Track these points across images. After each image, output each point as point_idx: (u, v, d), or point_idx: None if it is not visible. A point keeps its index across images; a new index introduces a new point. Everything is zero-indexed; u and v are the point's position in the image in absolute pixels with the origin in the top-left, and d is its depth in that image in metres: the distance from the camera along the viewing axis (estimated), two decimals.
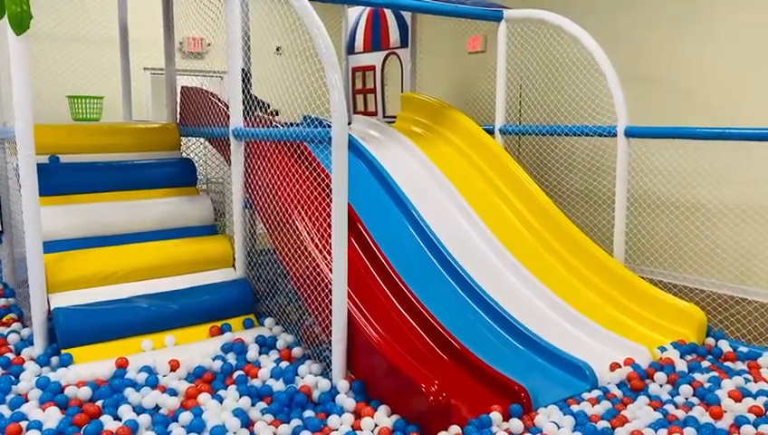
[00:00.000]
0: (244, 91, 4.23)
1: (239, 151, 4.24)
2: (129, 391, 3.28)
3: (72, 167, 4.40)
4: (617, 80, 4.74)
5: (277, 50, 8.20)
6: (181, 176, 4.75)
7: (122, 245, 4.22)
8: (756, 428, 3.01)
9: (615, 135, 4.74)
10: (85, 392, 3.25)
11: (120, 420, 3.04)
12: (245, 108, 4.20)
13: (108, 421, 3.00)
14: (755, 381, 3.59)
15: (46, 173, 4.23)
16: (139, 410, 3.16)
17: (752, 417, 3.12)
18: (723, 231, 5.29)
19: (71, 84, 6.66)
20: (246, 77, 5.65)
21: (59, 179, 4.29)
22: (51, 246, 3.94)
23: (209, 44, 8.11)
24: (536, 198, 4.94)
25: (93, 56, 7.20)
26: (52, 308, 3.77)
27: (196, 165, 5.21)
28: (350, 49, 6.79)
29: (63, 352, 3.63)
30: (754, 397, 3.35)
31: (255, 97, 4.63)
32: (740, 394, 3.35)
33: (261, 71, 6.09)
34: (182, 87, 5.16)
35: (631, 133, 4.70)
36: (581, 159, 5.88)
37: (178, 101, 5.19)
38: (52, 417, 3.03)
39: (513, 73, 5.72)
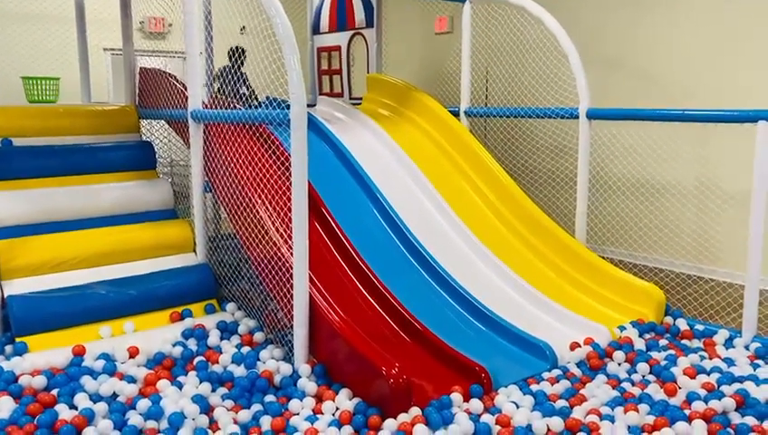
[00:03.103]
0: (235, 70, 4.18)
1: (198, 134, 4.16)
2: (85, 379, 3.22)
3: (26, 150, 4.27)
4: (579, 62, 4.76)
5: (242, 29, 8.05)
6: (139, 159, 4.65)
7: (78, 230, 4.12)
8: (706, 403, 3.08)
9: (577, 117, 4.77)
10: (40, 381, 3.19)
11: (76, 408, 2.99)
12: (232, 86, 4.12)
13: (63, 410, 2.95)
14: (710, 359, 3.68)
15: None
16: (95, 398, 3.10)
17: (703, 393, 3.20)
18: (681, 211, 5.39)
19: (26, 65, 6.45)
20: (238, 55, 5.65)
21: (11, 163, 4.17)
22: (3, 232, 3.85)
23: (170, 24, 7.93)
24: (500, 180, 4.96)
25: (50, 36, 6.98)
26: (5, 296, 3.68)
27: (161, 147, 5.11)
28: (316, 29, 6.69)
29: (18, 340, 3.56)
30: (708, 373, 3.43)
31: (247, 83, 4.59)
32: (694, 371, 3.42)
33: (225, 51, 6.00)
34: (140, 68, 5.04)
35: (593, 115, 4.73)
36: (545, 140, 5.92)
37: (137, 82, 5.07)
38: (5, 407, 2.97)
39: (479, 56, 5.71)
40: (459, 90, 5.58)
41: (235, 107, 4.36)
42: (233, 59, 5.87)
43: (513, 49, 5.55)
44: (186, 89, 4.20)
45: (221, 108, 4.19)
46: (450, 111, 5.44)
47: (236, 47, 5.83)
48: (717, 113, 4.33)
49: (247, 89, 5.74)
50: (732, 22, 5.26)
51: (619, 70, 5.94)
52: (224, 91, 4.40)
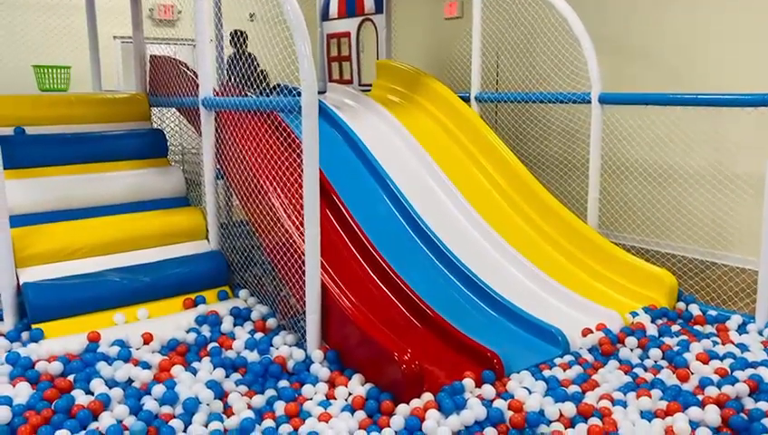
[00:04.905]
0: (239, 55, 4.14)
1: (209, 122, 4.16)
2: (101, 365, 3.26)
3: (38, 139, 4.30)
4: (591, 46, 4.71)
5: (251, 16, 8.03)
6: (151, 147, 4.67)
7: (92, 218, 4.15)
8: (719, 388, 3.07)
9: (589, 102, 4.73)
10: (56, 367, 3.23)
11: (92, 394, 3.02)
12: (240, 73, 4.08)
13: (79, 396, 2.98)
14: (723, 344, 3.66)
15: (11, 145, 4.15)
16: (111, 383, 3.14)
17: (716, 378, 3.19)
18: (694, 197, 5.34)
19: (37, 53, 6.48)
20: (240, 38, 5.58)
21: (24, 152, 4.19)
22: (18, 221, 3.88)
23: (180, 11, 7.92)
24: (511, 166, 4.94)
25: (61, 24, 6.99)
26: (21, 283, 3.72)
27: (173, 135, 5.12)
28: (325, 15, 6.66)
29: (34, 327, 3.60)
30: (721, 359, 3.42)
31: (262, 70, 4.54)
32: (707, 357, 3.41)
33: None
34: (151, 56, 5.05)
35: (605, 100, 4.69)
36: (557, 126, 5.88)
37: (148, 70, 5.07)
38: (23, 392, 3.01)
39: (490, 40, 5.66)
40: (469, 75, 5.54)
41: (248, 94, 4.36)
42: (237, 43, 5.75)
43: (525, 33, 5.50)
44: (196, 76, 4.19)
45: (238, 95, 4.18)
46: (460, 97, 5.41)
47: (237, 31, 5.75)
48: (730, 97, 4.26)
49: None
50: (749, 8, 5.19)
51: (630, 54, 5.87)
52: (240, 76, 4.34)
